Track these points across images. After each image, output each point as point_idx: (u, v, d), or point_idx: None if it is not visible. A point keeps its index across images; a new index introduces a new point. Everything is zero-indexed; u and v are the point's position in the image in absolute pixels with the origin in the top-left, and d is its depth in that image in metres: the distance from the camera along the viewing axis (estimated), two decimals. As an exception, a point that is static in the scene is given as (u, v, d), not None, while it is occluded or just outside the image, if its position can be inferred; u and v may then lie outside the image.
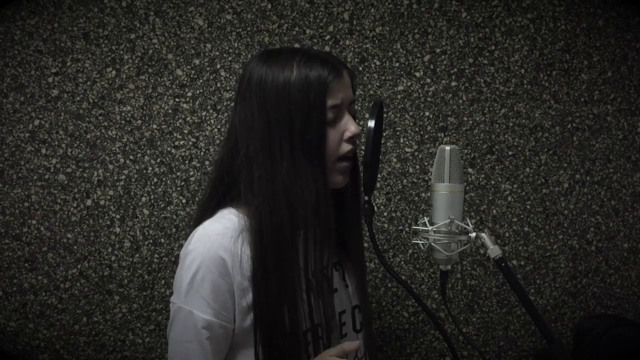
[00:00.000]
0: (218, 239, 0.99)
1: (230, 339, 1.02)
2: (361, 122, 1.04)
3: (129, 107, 1.51)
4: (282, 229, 0.99)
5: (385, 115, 1.55)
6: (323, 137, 1.00)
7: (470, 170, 1.60)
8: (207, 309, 0.97)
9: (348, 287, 1.14)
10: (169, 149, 1.52)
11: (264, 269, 0.98)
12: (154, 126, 1.52)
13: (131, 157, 1.51)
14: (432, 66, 1.57)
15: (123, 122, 1.51)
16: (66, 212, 1.50)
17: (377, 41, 1.56)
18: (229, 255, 0.99)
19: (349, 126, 1.03)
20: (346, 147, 1.03)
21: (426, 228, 1.04)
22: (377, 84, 1.56)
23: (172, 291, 1.04)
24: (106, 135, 1.51)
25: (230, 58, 1.52)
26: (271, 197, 0.98)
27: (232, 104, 1.08)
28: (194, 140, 1.52)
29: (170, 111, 1.52)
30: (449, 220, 1.02)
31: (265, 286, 0.98)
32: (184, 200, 1.53)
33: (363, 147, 1.05)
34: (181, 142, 1.52)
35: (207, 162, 1.53)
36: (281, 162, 0.98)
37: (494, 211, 1.61)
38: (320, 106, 0.99)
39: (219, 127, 1.53)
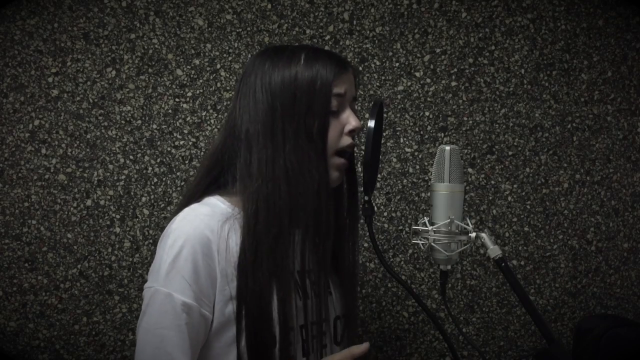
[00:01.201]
0: (205, 219, 0.97)
1: (208, 330, 0.96)
2: (361, 122, 1.05)
3: (129, 107, 1.51)
4: (280, 215, 0.97)
5: (385, 115, 1.55)
6: (326, 125, 1.00)
7: (470, 170, 1.60)
8: (188, 291, 0.92)
9: (332, 294, 1.10)
10: (169, 149, 1.52)
11: (255, 255, 0.95)
12: (154, 126, 1.52)
13: (131, 157, 1.51)
14: (432, 66, 1.57)
15: (123, 122, 1.51)
16: (66, 212, 1.50)
17: (377, 41, 1.56)
18: (215, 236, 0.96)
19: (351, 119, 1.03)
20: (346, 140, 1.03)
21: (426, 228, 1.04)
22: (377, 84, 1.56)
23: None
24: (106, 135, 1.51)
25: (230, 58, 1.52)
26: (270, 180, 0.97)
27: (233, 95, 1.08)
28: (194, 140, 1.52)
29: (170, 111, 1.52)
30: (449, 220, 1.02)
31: (255, 275, 0.95)
32: (184, 200, 1.52)
33: (363, 147, 1.05)
34: (181, 142, 1.52)
35: (207, 162, 1.53)
36: (283, 146, 0.97)
37: (494, 211, 1.61)
38: (326, 94, 0.99)
39: (219, 127, 1.53)
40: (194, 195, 1.05)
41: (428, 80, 1.58)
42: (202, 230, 0.95)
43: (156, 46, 1.51)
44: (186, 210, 1.00)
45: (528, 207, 1.62)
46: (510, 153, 1.61)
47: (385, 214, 1.59)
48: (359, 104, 1.54)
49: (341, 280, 1.12)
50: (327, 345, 1.07)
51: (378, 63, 1.56)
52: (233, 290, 0.96)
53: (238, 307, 0.95)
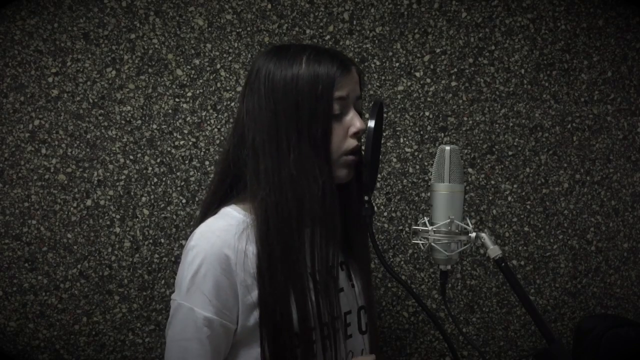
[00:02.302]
0: (221, 235, 0.99)
1: (231, 339, 1.01)
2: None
3: (129, 107, 1.51)
4: (289, 221, 0.99)
5: (385, 115, 1.55)
6: (329, 130, 1.00)
7: (470, 170, 1.60)
8: (209, 306, 0.97)
9: (354, 287, 1.13)
10: (169, 149, 1.52)
11: (269, 261, 0.98)
12: (154, 126, 1.52)
13: (131, 157, 1.51)
14: (432, 66, 1.57)
15: (123, 122, 1.51)
16: (66, 212, 1.50)
17: (377, 41, 1.56)
18: (233, 252, 0.98)
19: (354, 121, 1.03)
20: (351, 143, 1.03)
21: (426, 228, 1.04)
22: (377, 84, 1.56)
23: (173, 290, 1.03)
24: (106, 135, 1.51)
25: (230, 58, 1.52)
26: (277, 188, 0.98)
27: (239, 97, 1.09)
28: (194, 140, 1.52)
29: (170, 111, 1.52)
30: (449, 220, 1.02)
31: (271, 279, 0.98)
32: (184, 200, 1.53)
33: (363, 147, 1.05)
34: (181, 142, 1.52)
35: (207, 162, 1.53)
36: (288, 153, 0.99)
37: (494, 211, 1.61)
38: (328, 98, 0.99)
39: (219, 127, 1.53)
40: (212, 205, 1.07)
41: (428, 80, 1.58)
42: (220, 247, 0.98)
43: (156, 46, 1.51)
44: (202, 226, 1.02)
45: (528, 207, 1.62)
46: (510, 153, 1.61)
47: (385, 214, 1.59)
48: (359, 104, 1.54)
49: (361, 272, 1.15)
50: (352, 336, 1.10)
51: (378, 63, 1.56)
52: (255, 298, 0.99)
53: (260, 312, 0.99)
